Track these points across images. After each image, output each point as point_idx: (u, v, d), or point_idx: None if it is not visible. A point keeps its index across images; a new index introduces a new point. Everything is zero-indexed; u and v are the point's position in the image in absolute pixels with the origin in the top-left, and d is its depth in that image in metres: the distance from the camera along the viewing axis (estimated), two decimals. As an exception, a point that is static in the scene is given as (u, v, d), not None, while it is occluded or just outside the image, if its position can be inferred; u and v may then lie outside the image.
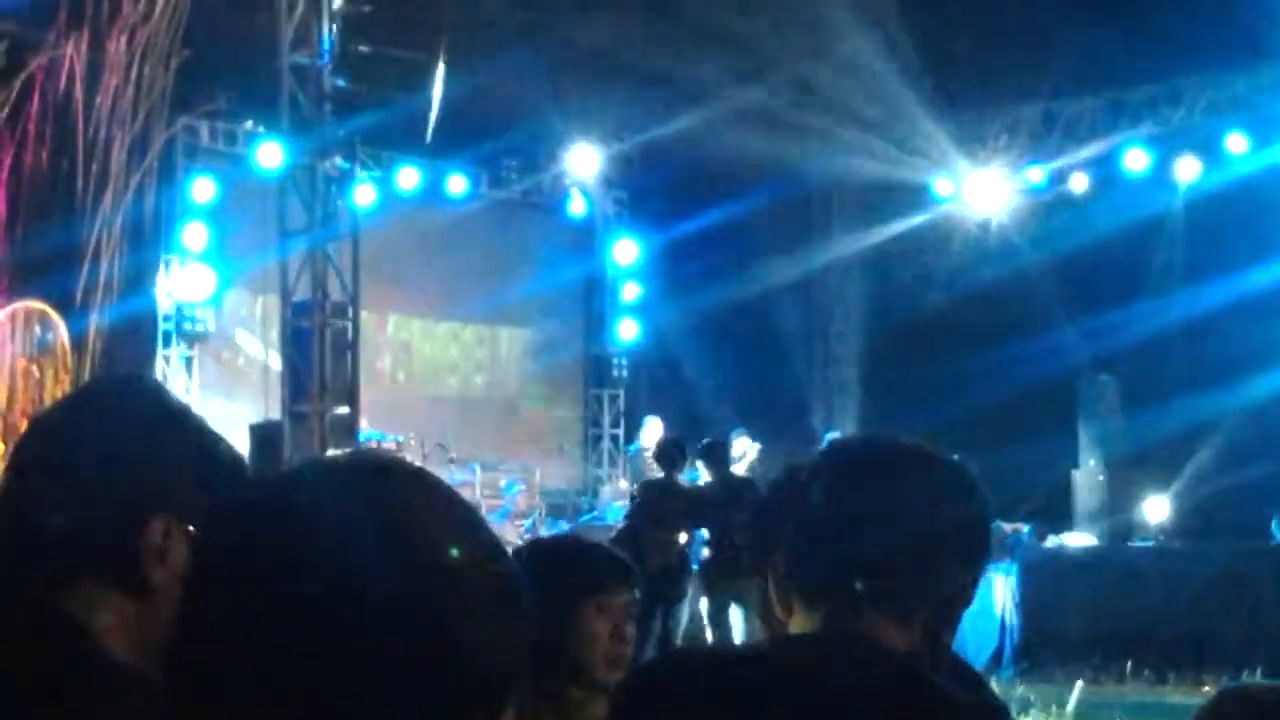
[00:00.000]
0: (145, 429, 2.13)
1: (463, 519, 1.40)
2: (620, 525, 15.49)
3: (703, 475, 15.94)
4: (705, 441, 15.76)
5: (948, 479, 2.32)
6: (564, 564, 3.50)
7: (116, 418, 2.15)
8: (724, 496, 14.48)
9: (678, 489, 14.86)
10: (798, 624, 2.30)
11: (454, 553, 1.35)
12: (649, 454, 18.32)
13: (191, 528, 2.07)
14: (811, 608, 2.27)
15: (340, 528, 1.32)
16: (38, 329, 16.43)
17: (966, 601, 2.30)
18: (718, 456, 15.41)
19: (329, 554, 1.31)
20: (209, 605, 1.36)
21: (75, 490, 2.07)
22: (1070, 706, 13.20)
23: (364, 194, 19.16)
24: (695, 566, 14.80)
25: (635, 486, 16.79)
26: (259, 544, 1.34)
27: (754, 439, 19.33)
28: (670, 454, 15.07)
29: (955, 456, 2.39)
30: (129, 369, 16.89)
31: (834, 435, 20.80)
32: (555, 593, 3.24)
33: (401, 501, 1.37)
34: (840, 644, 2.22)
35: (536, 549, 3.84)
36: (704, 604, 14.83)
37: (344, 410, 16.63)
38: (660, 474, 15.22)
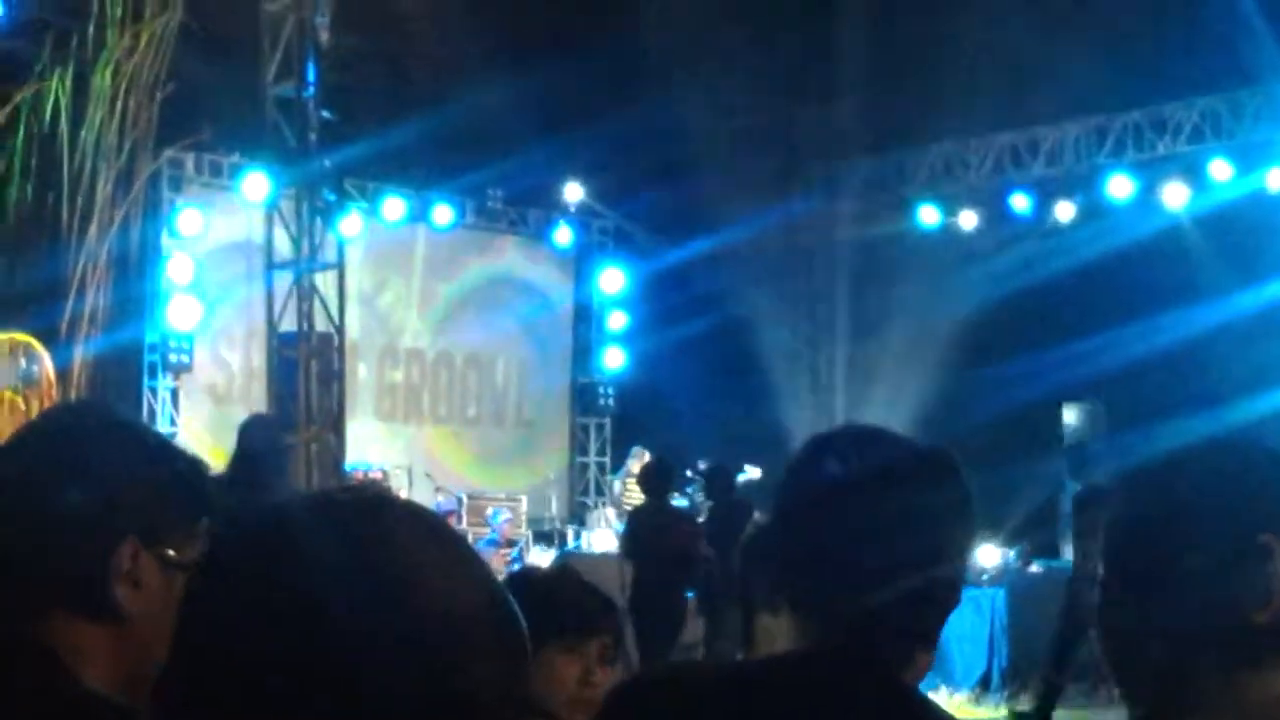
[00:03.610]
0: (106, 453, 2.11)
1: (460, 556, 1.39)
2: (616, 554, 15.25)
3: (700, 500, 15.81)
4: (706, 467, 15.57)
5: (945, 485, 2.28)
6: (537, 602, 3.23)
7: (76, 444, 2.12)
8: (721, 522, 14.33)
9: (672, 513, 14.66)
10: (786, 639, 2.28)
11: (452, 592, 1.35)
12: (631, 480, 18.27)
13: (159, 548, 2.06)
14: (806, 622, 2.25)
15: (338, 566, 1.31)
16: (23, 361, 16.39)
17: (953, 604, 2.27)
18: (719, 483, 15.18)
19: (327, 593, 1.30)
20: (202, 641, 1.36)
21: (39, 518, 2.05)
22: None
23: (349, 224, 19.15)
24: (690, 594, 14.59)
25: (629, 514, 16.49)
26: (255, 582, 1.33)
27: (751, 465, 19.29)
28: (657, 477, 14.72)
29: (945, 453, 2.34)
30: (114, 400, 16.86)
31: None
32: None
33: (399, 540, 1.36)
34: (831, 661, 2.20)
35: (513, 581, 3.74)
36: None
37: (330, 440, 16.61)
38: (641, 499, 15.03)
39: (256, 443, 12.12)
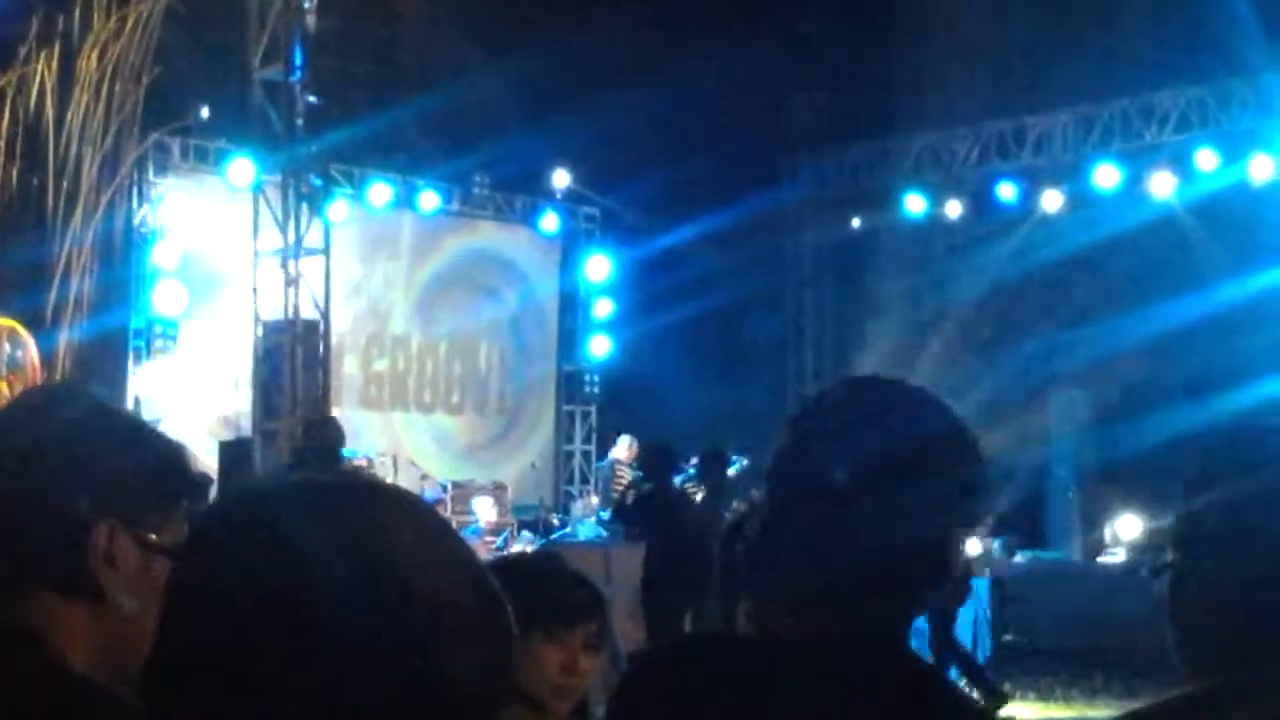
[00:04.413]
0: (81, 434, 2.10)
1: (445, 541, 1.40)
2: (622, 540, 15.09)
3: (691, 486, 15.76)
4: (704, 449, 15.48)
5: (954, 471, 2.19)
6: (522, 589, 3.18)
7: (51, 425, 2.11)
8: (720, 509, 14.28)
9: (683, 494, 14.56)
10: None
11: (437, 577, 1.35)
12: (621, 468, 18.23)
13: (136, 528, 2.05)
14: (811, 606, 2.21)
15: (322, 551, 1.32)
16: (7, 346, 16.36)
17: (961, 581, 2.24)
18: (714, 467, 15.06)
19: (312, 577, 1.30)
20: (186, 626, 1.36)
21: (15, 499, 2.04)
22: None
23: (336, 210, 19.12)
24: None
25: (637, 497, 16.21)
26: (238, 566, 1.34)
27: (737, 454, 19.28)
28: (661, 458, 14.31)
29: (958, 434, 2.24)
30: (100, 386, 16.83)
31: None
32: None
33: (384, 524, 1.36)
34: (845, 635, 2.18)
35: (498, 568, 3.73)
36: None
37: (315, 427, 16.57)
38: (626, 485, 14.92)
39: (315, 439, 12.20)
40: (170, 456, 2.16)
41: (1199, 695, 2.12)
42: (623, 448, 19.35)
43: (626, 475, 17.38)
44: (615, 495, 17.82)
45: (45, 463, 2.06)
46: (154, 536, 2.06)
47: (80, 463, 2.07)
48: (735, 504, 14.91)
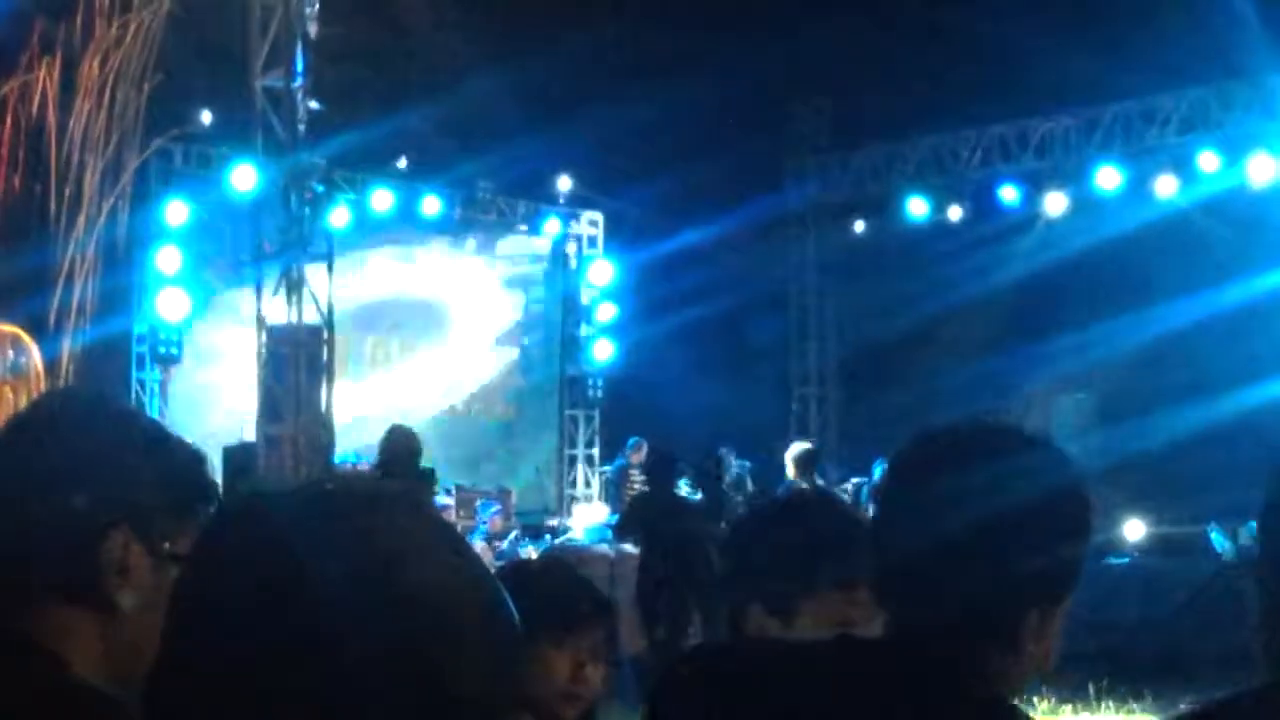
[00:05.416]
0: (99, 442, 2.08)
1: (449, 545, 1.39)
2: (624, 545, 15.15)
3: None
4: (710, 457, 15.49)
5: (1039, 465, 2.22)
6: (529, 595, 3.03)
7: (70, 432, 2.09)
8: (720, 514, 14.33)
9: (682, 501, 14.60)
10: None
11: (442, 582, 1.34)
12: (634, 472, 18.24)
13: (151, 539, 2.03)
14: (896, 614, 2.21)
15: (326, 557, 1.31)
16: (11, 352, 16.38)
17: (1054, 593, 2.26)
18: (712, 473, 15.10)
19: (314, 584, 1.30)
20: (189, 634, 1.35)
21: (28, 509, 2.02)
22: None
23: (338, 216, 19.12)
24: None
25: (632, 500, 16.32)
26: (241, 574, 1.33)
27: (736, 457, 19.29)
28: (664, 466, 14.59)
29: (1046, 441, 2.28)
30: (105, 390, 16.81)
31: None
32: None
33: (388, 529, 1.35)
34: (877, 646, 2.18)
35: (505, 574, 3.73)
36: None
37: (318, 432, 16.58)
38: (642, 490, 14.97)
39: (399, 449, 12.24)
40: (189, 466, 2.14)
41: (1266, 692, 2.15)
42: (634, 452, 19.36)
43: (637, 480, 17.43)
44: (626, 500, 17.88)
45: (61, 470, 2.03)
46: (170, 545, 2.04)
47: (95, 471, 2.04)
48: (739, 505, 14.94)
